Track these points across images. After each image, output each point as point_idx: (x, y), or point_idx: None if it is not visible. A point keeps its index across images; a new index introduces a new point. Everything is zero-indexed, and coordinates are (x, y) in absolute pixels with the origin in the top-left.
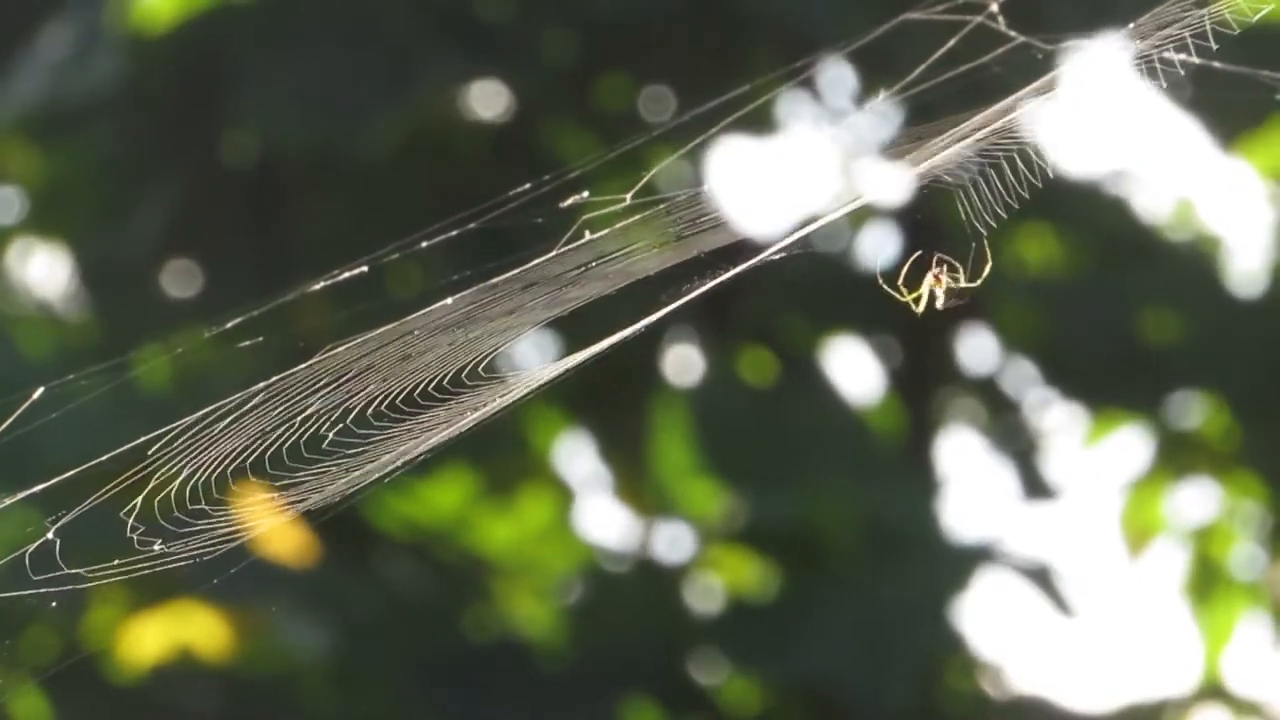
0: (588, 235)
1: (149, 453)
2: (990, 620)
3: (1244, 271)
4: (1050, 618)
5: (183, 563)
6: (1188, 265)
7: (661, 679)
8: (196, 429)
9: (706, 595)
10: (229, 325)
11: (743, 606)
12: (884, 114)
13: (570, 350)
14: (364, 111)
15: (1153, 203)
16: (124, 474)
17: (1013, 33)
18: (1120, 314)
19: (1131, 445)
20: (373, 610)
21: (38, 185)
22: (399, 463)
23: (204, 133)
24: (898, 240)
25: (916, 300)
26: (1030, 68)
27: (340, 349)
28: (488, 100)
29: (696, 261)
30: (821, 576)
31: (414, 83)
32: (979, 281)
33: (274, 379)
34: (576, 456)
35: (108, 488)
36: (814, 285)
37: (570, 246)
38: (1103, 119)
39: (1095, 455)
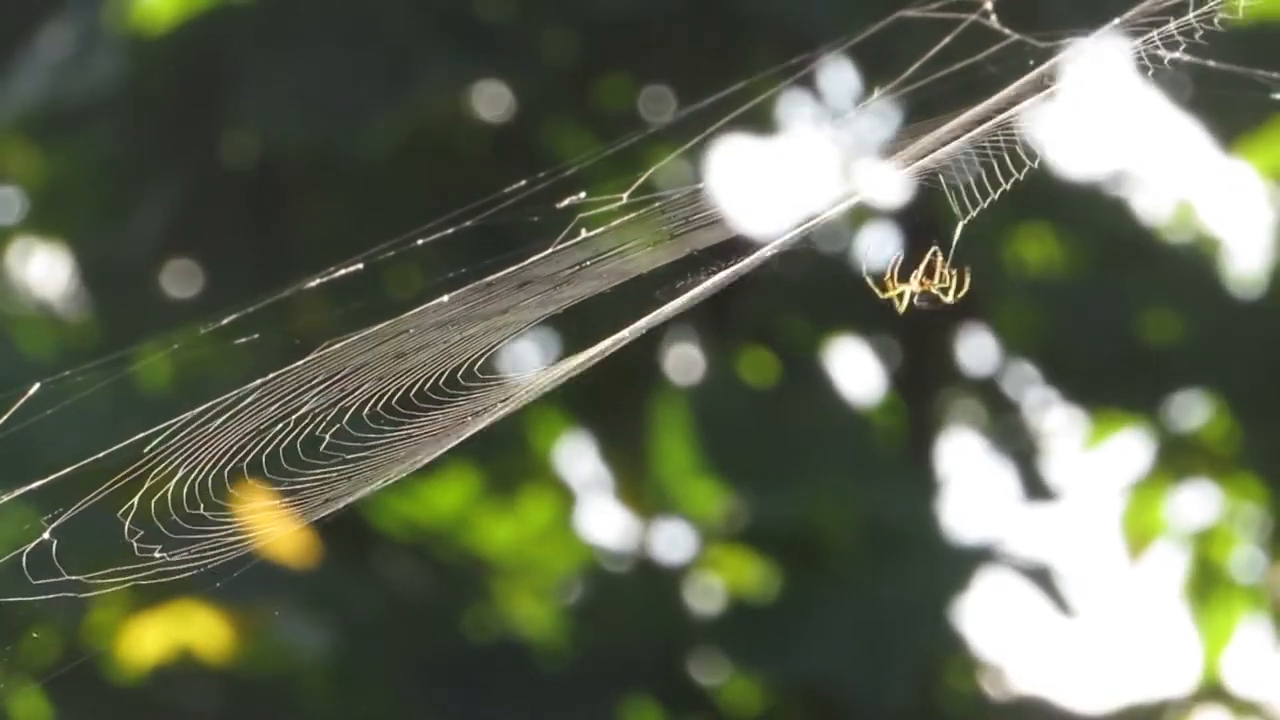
0: (584, 233)
1: (144, 451)
2: (990, 621)
3: (1244, 272)
4: (1051, 618)
5: (186, 573)
6: (1188, 266)
7: (661, 679)
8: (194, 426)
9: (707, 595)
10: (225, 322)
11: (743, 607)
12: (883, 114)
13: (569, 349)
14: (364, 111)
15: (1153, 203)
16: (121, 471)
17: (1007, 30)
18: (1120, 315)
19: (1132, 448)
20: (373, 610)
21: (38, 185)
22: (404, 468)
23: (204, 133)
24: (895, 239)
25: (899, 297)
26: (1025, 66)
27: (337, 345)
28: (488, 100)
29: (691, 259)
30: (822, 576)
31: (414, 83)
32: (962, 289)
33: (271, 376)
34: (577, 457)
35: (104, 486)
36: (814, 285)
37: (566, 245)
38: (1100, 118)
39: (1095, 457)
